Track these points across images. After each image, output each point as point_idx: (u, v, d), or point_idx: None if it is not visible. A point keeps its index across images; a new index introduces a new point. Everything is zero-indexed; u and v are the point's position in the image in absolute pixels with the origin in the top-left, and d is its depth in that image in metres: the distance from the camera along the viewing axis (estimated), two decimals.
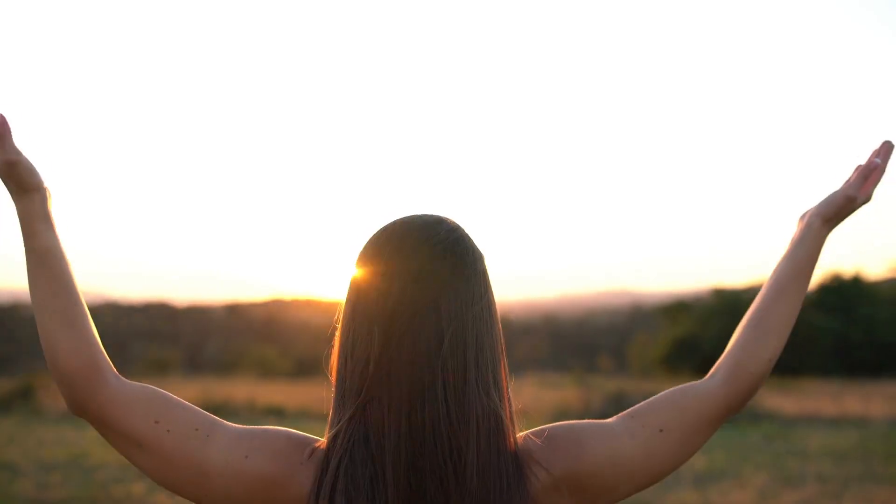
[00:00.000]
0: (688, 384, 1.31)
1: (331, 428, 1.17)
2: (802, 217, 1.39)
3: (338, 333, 1.22)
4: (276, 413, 14.86)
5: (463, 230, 1.23)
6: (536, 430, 1.22)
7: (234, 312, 47.83)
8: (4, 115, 1.15)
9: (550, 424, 1.23)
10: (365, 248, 1.23)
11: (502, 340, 1.21)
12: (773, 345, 1.32)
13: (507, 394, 1.19)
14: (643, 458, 1.23)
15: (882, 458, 10.53)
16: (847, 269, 31.41)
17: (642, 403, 1.28)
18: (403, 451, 1.11)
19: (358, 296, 1.19)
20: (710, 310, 31.45)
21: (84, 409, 1.17)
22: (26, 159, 1.17)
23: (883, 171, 1.37)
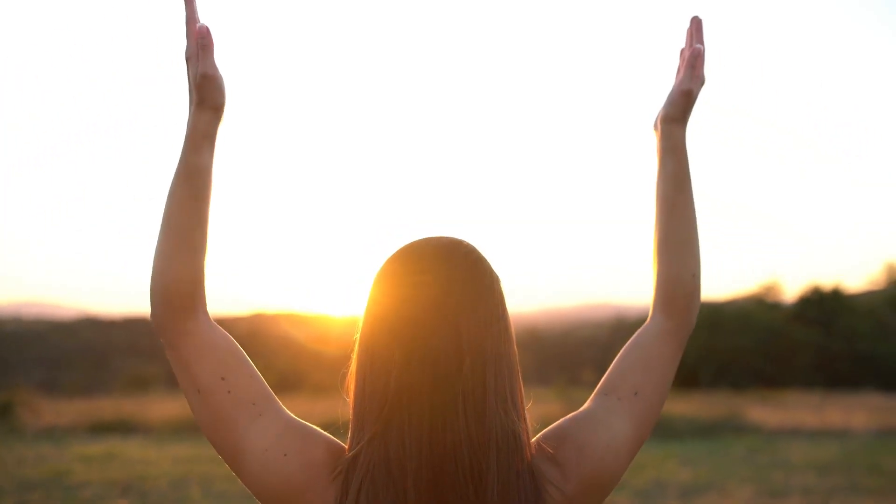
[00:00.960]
0: (636, 337, 1.32)
1: (350, 449, 1.17)
2: (655, 126, 1.38)
3: (354, 354, 1.22)
4: None
5: (479, 252, 1.24)
6: (542, 437, 1.23)
7: None
8: (208, 27, 1.21)
9: (545, 431, 1.24)
10: (383, 269, 1.24)
11: (518, 360, 1.21)
12: (689, 260, 1.32)
13: (524, 413, 1.19)
14: (633, 428, 1.25)
15: (865, 469, 10.60)
16: (827, 282, 31.69)
17: (608, 375, 1.29)
18: (425, 471, 1.11)
19: (376, 317, 1.19)
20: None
21: (169, 333, 1.18)
22: (221, 77, 1.21)
23: (704, 51, 1.35)
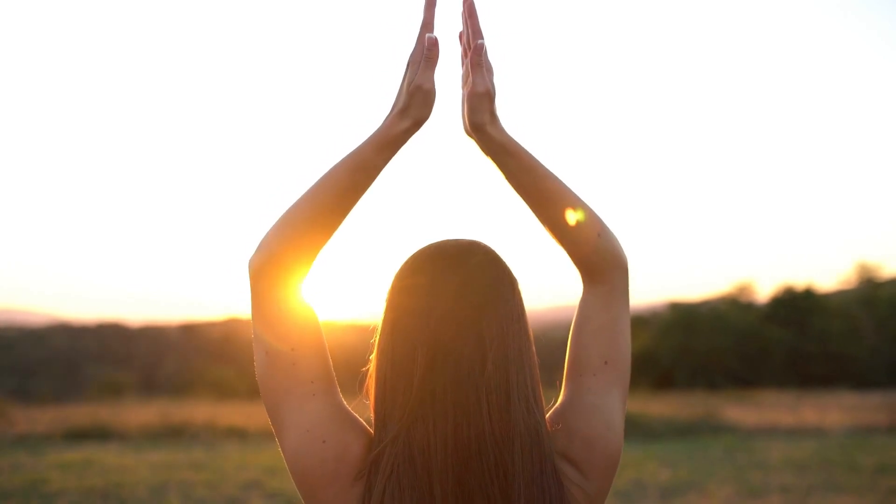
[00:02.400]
0: (580, 311, 1.29)
1: (373, 450, 1.17)
2: (467, 133, 1.26)
3: (374, 355, 1.23)
4: (238, 435, 14.64)
5: (497, 253, 1.25)
6: (556, 426, 1.23)
7: (190, 332, 47.18)
8: (438, 39, 1.19)
9: (554, 421, 1.23)
10: (402, 270, 1.24)
11: (536, 361, 1.22)
12: (586, 227, 1.25)
13: (544, 411, 1.20)
14: (619, 397, 1.26)
15: (841, 467, 10.72)
16: (799, 282, 32.04)
17: (572, 357, 1.28)
18: (451, 469, 1.12)
19: (398, 317, 1.20)
20: (667, 324, 31.81)
21: (260, 288, 1.19)
22: (435, 92, 1.19)
23: (485, 45, 1.23)
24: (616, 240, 1.29)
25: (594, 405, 1.24)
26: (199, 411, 17.12)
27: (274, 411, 1.21)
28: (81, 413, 16.60)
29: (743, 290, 36.30)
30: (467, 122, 1.23)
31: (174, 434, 14.62)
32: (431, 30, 1.20)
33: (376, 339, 1.23)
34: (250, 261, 1.21)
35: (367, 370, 1.24)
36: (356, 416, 1.22)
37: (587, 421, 1.23)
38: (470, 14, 1.25)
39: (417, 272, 1.21)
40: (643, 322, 32.64)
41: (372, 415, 1.21)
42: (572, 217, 1.25)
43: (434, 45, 1.17)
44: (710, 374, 28.54)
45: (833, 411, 17.19)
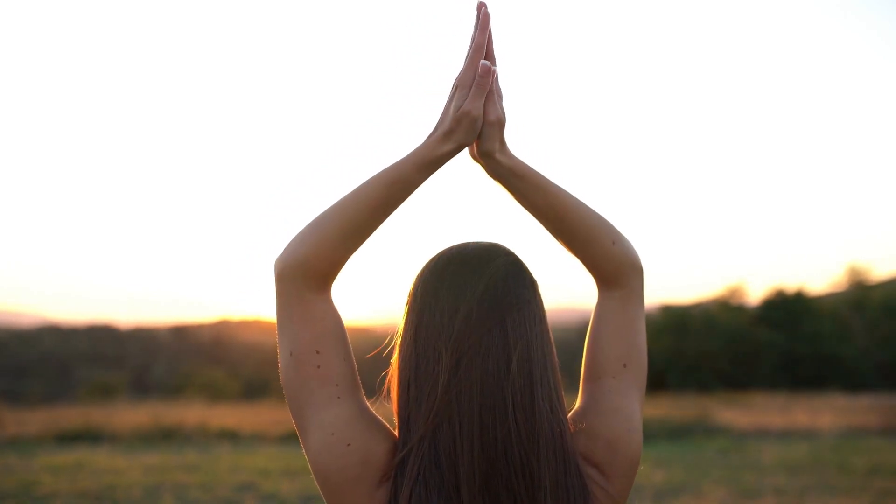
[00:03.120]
0: (596, 316, 1.30)
1: (398, 452, 1.17)
2: (474, 158, 1.25)
3: (396, 356, 1.23)
4: (230, 437, 14.60)
5: (517, 256, 1.25)
6: (577, 428, 1.22)
7: (181, 334, 47.13)
8: (495, 68, 1.17)
9: (575, 424, 1.23)
10: (424, 272, 1.24)
11: (557, 363, 1.22)
12: (601, 236, 1.26)
13: (565, 411, 1.21)
14: (637, 399, 1.27)
15: (834, 469, 10.76)
16: (790, 284, 32.15)
17: (590, 360, 1.28)
18: (477, 471, 1.11)
19: (421, 317, 1.19)
20: (658, 326, 31.89)
21: (287, 289, 1.19)
22: (481, 120, 1.17)
23: (496, 69, 1.19)
24: (630, 245, 1.29)
25: (615, 407, 1.24)
26: (190, 413, 17.07)
27: (298, 413, 1.20)
28: (72, 415, 16.52)
29: (734, 292, 36.43)
30: (477, 148, 1.22)
31: (166, 436, 14.56)
32: (484, 55, 1.18)
33: (397, 341, 1.23)
34: (277, 262, 1.20)
35: (388, 372, 1.24)
36: (380, 418, 1.21)
37: (608, 423, 1.23)
38: (483, 33, 1.20)
39: (441, 274, 1.21)
40: None
41: (395, 415, 1.21)
42: (586, 231, 1.25)
43: (487, 73, 1.15)
44: (702, 376, 28.63)
45: (824, 413, 17.26)
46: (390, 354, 1.26)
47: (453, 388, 1.13)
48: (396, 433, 1.21)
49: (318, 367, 1.18)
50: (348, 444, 1.16)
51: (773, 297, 31.66)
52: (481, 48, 1.18)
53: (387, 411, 1.25)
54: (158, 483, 9.75)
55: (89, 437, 14.31)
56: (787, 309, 30.95)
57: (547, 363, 1.18)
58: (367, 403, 1.21)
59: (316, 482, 1.20)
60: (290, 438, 14.34)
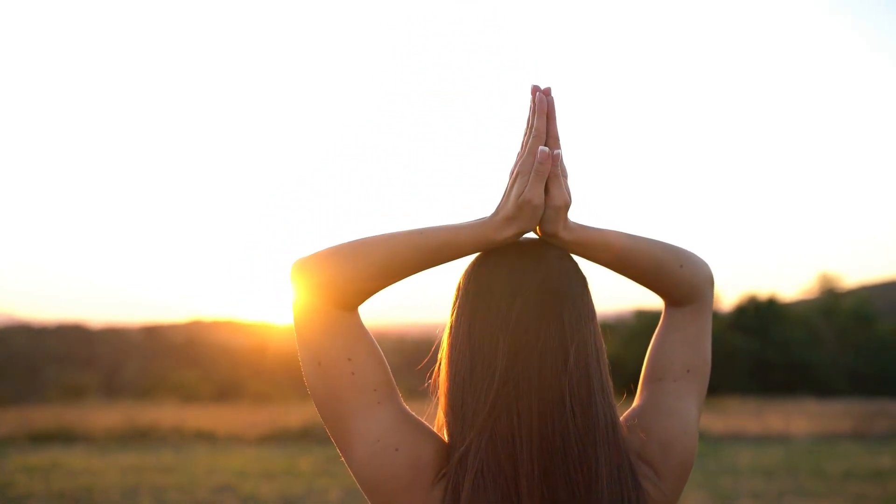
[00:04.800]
0: (665, 323, 1.32)
1: (454, 448, 1.16)
2: (538, 234, 1.25)
3: (446, 349, 1.22)
4: (207, 438, 14.47)
5: (567, 252, 1.26)
6: (632, 425, 1.24)
7: (152, 334, 46.62)
8: (560, 155, 1.16)
9: (630, 421, 1.25)
10: (477, 264, 1.24)
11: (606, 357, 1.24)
12: (669, 260, 1.27)
13: (616, 406, 1.22)
14: (696, 405, 1.29)
15: (808, 473, 10.88)
16: (762, 291, 32.47)
17: (653, 363, 1.30)
18: (536, 464, 1.12)
19: (475, 310, 1.19)
20: (633, 331, 32.04)
21: (319, 301, 1.17)
22: (543, 207, 1.16)
23: (561, 154, 1.18)
24: (697, 261, 1.31)
25: (672, 409, 1.25)
26: (165, 414, 16.90)
27: (336, 423, 1.18)
28: (44, 415, 16.29)
29: None
30: (538, 229, 1.22)
31: (140, 437, 14.41)
32: (544, 142, 1.17)
33: (445, 336, 1.22)
34: (303, 272, 1.18)
35: (434, 370, 1.24)
36: (420, 420, 1.20)
37: (665, 424, 1.24)
38: (549, 117, 1.17)
39: (496, 266, 1.21)
40: (609, 328, 32.71)
41: (443, 412, 1.20)
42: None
43: (547, 159, 1.14)
44: None
45: (797, 418, 17.44)
46: (428, 360, 1.26)
47: (511, 381, 1.13)
48: (441, 433, 1.20)
49: (353, 373, 1.16)
50: (396, 450, 1.15)
51: (746, 303, 31.96)
52: (541, 134, 1.16)
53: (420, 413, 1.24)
54: (135, 484, 9.65)
55: (62, 437, 14.13)
56: (759, 315, 31.25)
57: (600, 358, 1.19)
58: (406, 406, 1.20)
59: (363, 492, 1.18)
60: (267, 440, 14.25)
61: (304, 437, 14.29)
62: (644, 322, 32.81)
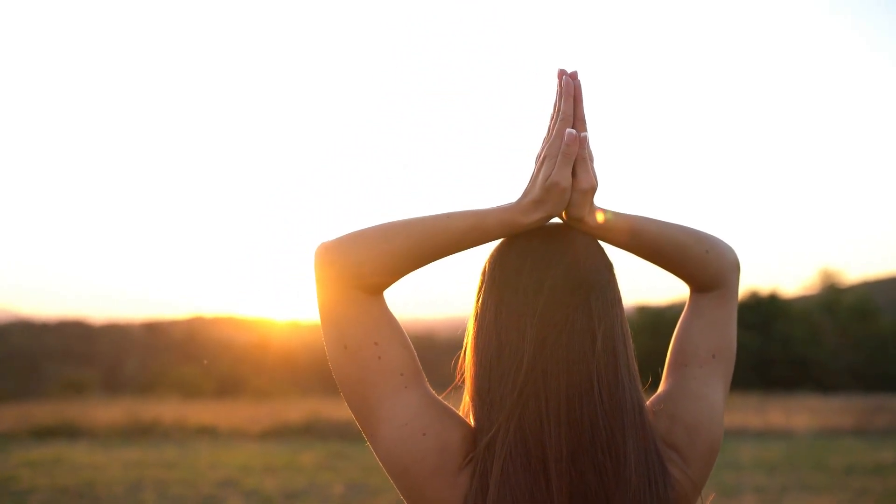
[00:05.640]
0: (690, 310, 1.32)
1: (481, 434, 1.15)
2: (563, 220, 1.24)
3: (472, 334, 1.21)
4: (209, 433, 14.49)
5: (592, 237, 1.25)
6: (658, 410, 1.23)
7: (154, 331, 46.59)
8: (587, 137, 1.15)
9: (656, 406, 1.24)
10: (502, 248, 1.23)
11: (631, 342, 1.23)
12: (694, 246, 1.27)
13: (642, 390, 1.21)
14: (722, 391, 1.28)
15: (811, 468, 10.90)
16: (764, 287, 32.48)
17: (678, 348, 1.29)
18: (564, 448, 1.11)
19: (502, 295, 1.18)
20: (635, 327, 31.88)
21: (336, 287, 1.16)
22: (570, 189, 1.16)
23: (588, 137, 1.18)
24: (723, 246, 1.30)
25: (698, 394, 1.24)
26: (166, 410, 16.92)
27: (362, 408, 1.17)
28: (46, 411, 16.33)
29: None
30: (564, 214, 1.22)
31: (143, 432, 14.43)
32: (571, 125, 1.16)
33: (471, 321, 1.22)
34: (326, 257, 1.17)
35: (461, 354, 1.23)
36: (447, 404, 1.20)
37: (691, 409, 1.23)
38: (576, 99, 1.18)
39: (523, 251, 1.20)
40: None
41: (469, 397, 1.20)
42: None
43: (574, 141, 1.14)
44: None
45: (798, 414, 17.46)
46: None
47: (539, 366, 1.13)
48: (467, 417, 1.19)
49: (380, 357, 1.15)
50: (423, 434, 1.14)
51: (748, 299, 31.94)
52: (568, 117, 1.17)
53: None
54: (139, 479, 9.66)
55: (65, 432, 14.15)
56: (760, 311, 31.26)
57: (627, 343, 1.19)
58: (433, 391, 1.20)
59: (390, 476, 1.17)
60: (269, 435, 14.26)
61: (306, 432, 14.31)
62: (646, 318, 32.83)
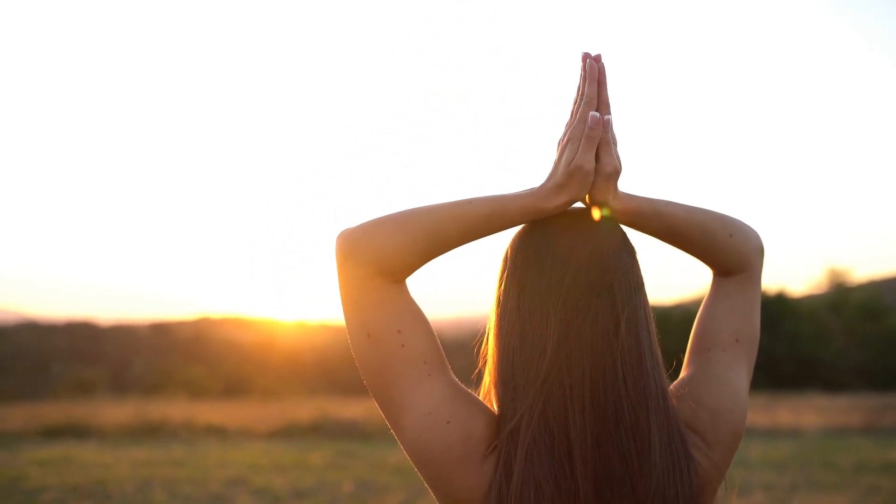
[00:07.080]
0: (714, 293, 1.31)
1: (505, 421, 1.15)
2: (586, 203, 1.24)
3: (494, 321, 1.21)
4: (217, 432, 14.51)
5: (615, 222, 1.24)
6: (681, 394, 1.23)
7: (161, 331, 46.76)
8: (611, 120, 1.15)
9: (679, 391, 1.23)
10: (525, 234, 1.23)
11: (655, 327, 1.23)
12: (718, 230, 1.26)
13: (665, 375, 1.21)
14: (746, 374, 1.27)
15: (819, 466, 10.86)
16: (772, 286, 32.40)
17: (700, 333, 1.29)
18: (589, 435, 1.11)
19: (525, 281, 1.18)
20: None
21: (358, 273, 1.15)
22: (594, 172, 1.15)
23: (611, 120, 1.18)
24: (747, 229, 1.30)
25: (722, 378, 1.24)
26: (174, 409, 16.95)
27: (385, 396, 1.17)
28: (55, 411, 16.37)
29: None
30: (587, 198, 1.21)
31: (151, 432, 14.46)
32: (595, 108, 1.16)
33: (494, 307, 1.21)
34: (347, 244, 1.16)
35: (483, 341, 1.23)
36: (471, 392, 1.19)
37: (714, 393, 1.23)
38: (600, 83, 1.18)
39: (546, 237, 1.20)
40: None
41: (492, 384, 1.19)
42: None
43: (597, 125, 1.13)
44: None
45: (807, 412, 17.43)
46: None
47: (563, 353, 1.12)
48: (488, 402, 1.19)
49: (403, 345, 1.15)
50: (448, 422, 1.13)
51: None
52: (592, 100, 1.16)
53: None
54: (148, 478, 9.68)
55: (74, 432, 14.19)
56: (768, 310, 31.12)
57: (650, 327, 1.18)
58: (456, 379, 1.19)
59: (415, 465, 1.17)
60: (277, 434, 14.28)
61: (314, 431, 14.32)
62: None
